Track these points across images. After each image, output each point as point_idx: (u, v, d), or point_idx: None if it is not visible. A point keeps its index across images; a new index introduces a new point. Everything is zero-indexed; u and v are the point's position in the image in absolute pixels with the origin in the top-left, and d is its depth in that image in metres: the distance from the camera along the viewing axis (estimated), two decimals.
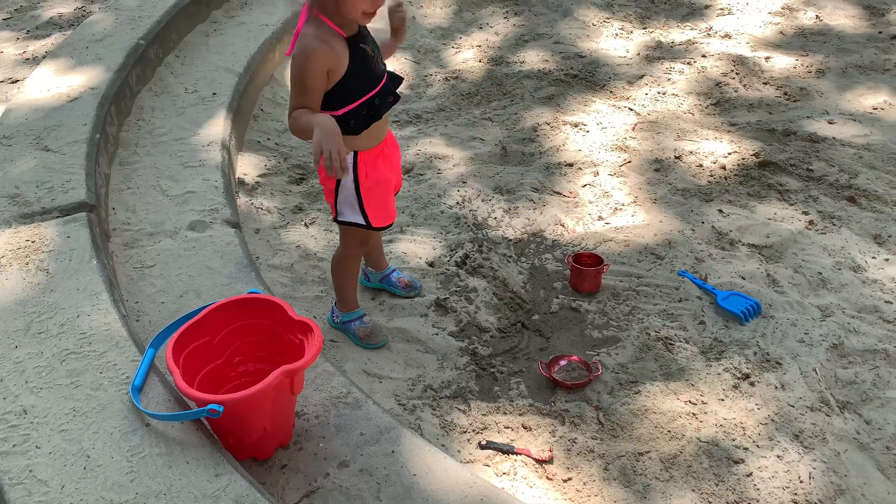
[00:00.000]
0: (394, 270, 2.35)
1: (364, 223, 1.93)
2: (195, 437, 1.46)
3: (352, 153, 1.82)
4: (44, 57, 3.46)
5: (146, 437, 1.45)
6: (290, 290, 2.36)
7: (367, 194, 1.90)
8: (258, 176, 2.92)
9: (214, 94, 3.16)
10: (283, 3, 4.00)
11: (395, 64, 3.85)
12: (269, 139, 3.18)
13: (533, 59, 3.85)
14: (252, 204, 2.74)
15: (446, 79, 3.73)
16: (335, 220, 1.97)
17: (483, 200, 2.79)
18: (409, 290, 2.33)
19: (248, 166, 2.96)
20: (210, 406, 1.39)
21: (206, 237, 2.32)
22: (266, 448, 1.59)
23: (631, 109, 3.36)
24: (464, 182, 2.89)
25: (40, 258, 1.98)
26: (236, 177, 2.86)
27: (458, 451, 1.84)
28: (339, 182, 1.88)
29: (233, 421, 1.49)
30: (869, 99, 3.37)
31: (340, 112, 1.74)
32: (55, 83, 2.91)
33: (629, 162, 2.98)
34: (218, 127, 2.92)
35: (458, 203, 2.77)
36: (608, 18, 4.28)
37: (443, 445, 1.84)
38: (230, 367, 1.69)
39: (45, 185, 2.30)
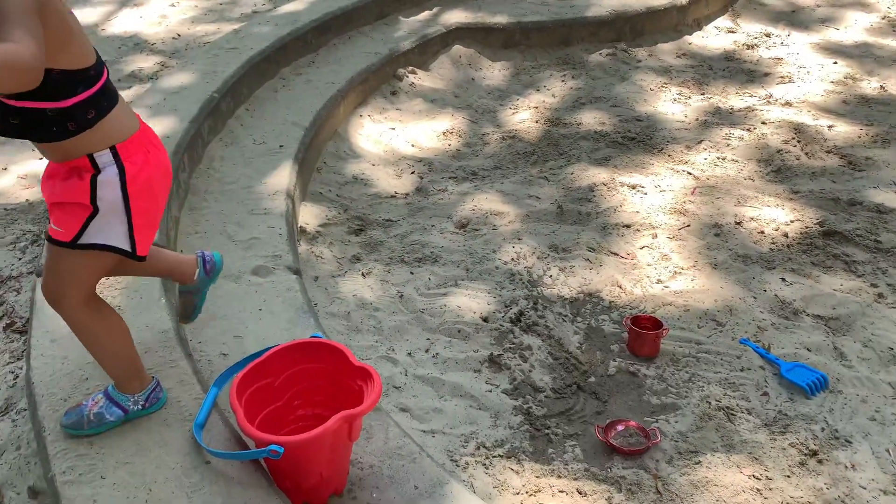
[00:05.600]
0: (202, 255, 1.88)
1: (131, 249, 1.46)
2: (253, 477, 1.47)
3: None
4: None
5: (206, 474, 1.46)
6: (346, 338, 2.38)
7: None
8: (319, 225, 2.99)
9: (281, 146, 3.29)
10: (349, 62, 4.16)
11: (454, 121, 3.95)
12: (330, 191, 3.27)
13: (590, 120, 3.90)
14: (312, 252, 2.81)
15: (503, 138, 3.80)
16: (70, 243, 1.41)
17: (538, 258, 2.79)
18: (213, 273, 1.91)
19: (309, 216, 3.04)
20: (271, 447, 1.40)
21: (269, 282, 2.38)
22: (321, 494, 1.58)
23: (689, 173, 3.35)
24: (519, 239, 2.91)
25: (113, 294, 2.06)
26: (298, 225, 2.94)
27: None
28: (94, 188, 1.39)
29: (291, 464, 1.49)
30: None
31: None
32: None
33: (688, 226, 2.96)
34: (283, 177, 3.02)
35: (513, 259, 2.78)
36: (666, 83, 4.33)
37: None
38: (289, 411, 1.70)
39: None
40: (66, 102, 1.30)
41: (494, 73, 4.54)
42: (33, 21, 1.17)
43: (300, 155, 3.24)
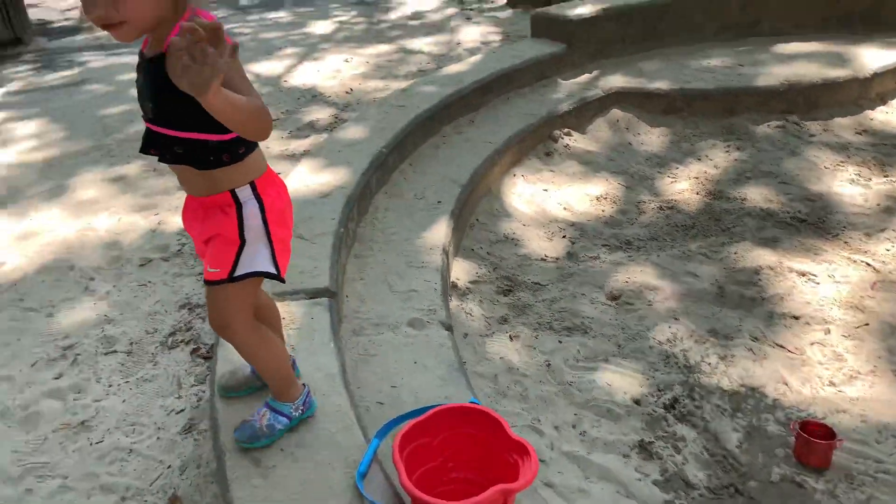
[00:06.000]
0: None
1: (276, 271, 1.61)
2: None
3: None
4: (302, 155, 3.99)
5: None
6: (493, 401, 2.39)
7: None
8: (469, 282, 3.06)
9: (440, 201, 3.42)
10: (507, 122, 4.27)
11: (608, 186, 3.92)
12: (481, 248, 3.34)
13: (755, 196, 3.72)
14: (462, 308, 2.87)
15: (660, 207, 3.72)
16: (228, 279, 1.55)
17: (696, 341, 2.67)
18: None
19: (461, 271, 3.12)
20: None
21: (423, 335, 2.46)
22: None
23: (869, 265, 3.09)
24: (675, 318, 2.80)
25: (288, 333, 2.22)
26: (450, 280, 3.02)
27: None
28: (242, 223, 1.54)
29: None
30: None
31: None
32: (311, 179, 3.34)
33: (866, 324, 2.71)
34: (440, 233, 3.13)
35: (668, 340, 2.69)
36: (842, 162, 4.05)
37: None
38: (443, 472, 1.74)
39: (297, 268, 2.59)
40: (226, 136, 1.47)
41: (653, 138, 4.47)
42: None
43: (456, 211, 3.35)
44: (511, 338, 2.72)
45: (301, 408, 1.82)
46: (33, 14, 7.23)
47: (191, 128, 1.42)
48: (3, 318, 2.71)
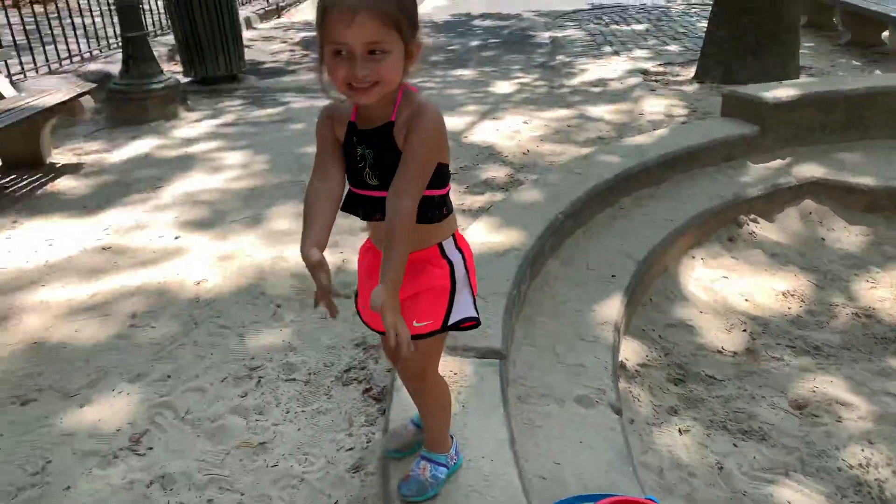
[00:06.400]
0: None
1: (477, 315, 1.66)
2: None
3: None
4: (477, 211, 4.10)
5: None
6: (657, 496, 2.26)
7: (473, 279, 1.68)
8: (638, 364, 2.95)
9: (613, 275, 3.35)
10: (689, 201, 4.13)
11: (797, 282, 3.64)
12: (653, 330, 3.22)
13: None
14: (629, 391, 2.77)
15: (856, 314, 3.39)
16: (441, 329, 1.62)
17: (895, 472, 2.37)
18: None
19: (629, 352, 3.02)
20: None
21: (591, 415, 2.39)
22: None
23: None
24: (870, 442, 2.51)
25: (458, 390, 2.25)
26: (619, 359, 2.93)
27: None
28: (454, 272, 1.61)
29: None
30: None
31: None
32: (487, 237, 3.41)
33: None
34: (612, 308, 3.06)
35: (860, 465, 2.41)
36: None
37: None
38: None
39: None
40: (444, 190, 1.57)
41: (850, 237, 4.12)
42: (429, 171, 1.47)
43: (630, 288, 3.27)
44: (681, 431, 2.58)
45: (454, 457, 1.89)
46: (247, 55, 8.13)
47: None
48: (202, 331, 3.00)
